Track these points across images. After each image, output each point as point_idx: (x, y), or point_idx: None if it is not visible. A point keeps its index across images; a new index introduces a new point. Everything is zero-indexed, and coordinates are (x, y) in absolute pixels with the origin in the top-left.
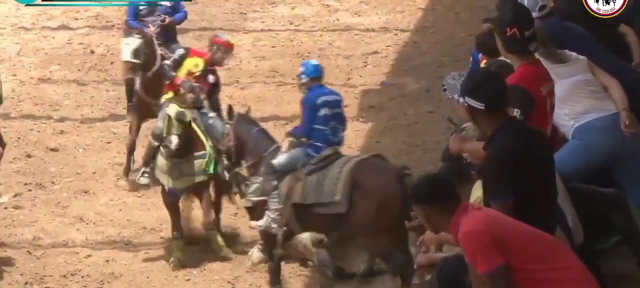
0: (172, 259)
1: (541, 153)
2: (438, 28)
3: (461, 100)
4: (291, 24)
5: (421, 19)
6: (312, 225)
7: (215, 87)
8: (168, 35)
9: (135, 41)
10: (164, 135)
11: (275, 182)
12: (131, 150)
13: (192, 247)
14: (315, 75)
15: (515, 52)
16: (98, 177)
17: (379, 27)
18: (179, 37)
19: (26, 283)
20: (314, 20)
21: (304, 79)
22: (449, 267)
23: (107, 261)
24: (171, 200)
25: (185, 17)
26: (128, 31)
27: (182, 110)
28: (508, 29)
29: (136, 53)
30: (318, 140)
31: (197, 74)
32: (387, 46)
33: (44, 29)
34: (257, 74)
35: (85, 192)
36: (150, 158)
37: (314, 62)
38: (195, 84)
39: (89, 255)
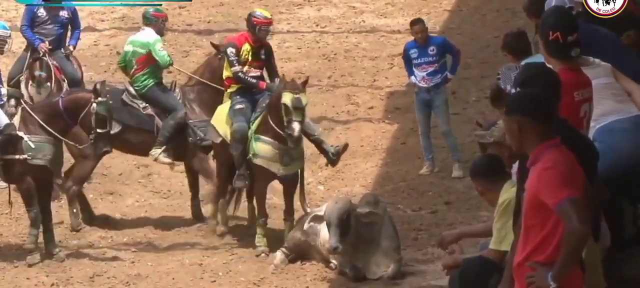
0: (261, 248)
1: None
2: (464, 30)
3: (513, 91)
4: (317, 25)
5: (447, 20)
6: None
7: (269, 56)
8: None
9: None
10: (286, 123)
11: None
12: None
13: (218, 248)
14: None
15: (556, 56)
16: (124, 178)
17: (404, 29)
18: (204, 38)
19: (52, 284)
20: (340, 21)
21: None
22: (473, 267)
23: (133, 262)
24: (263, 187)
25: (77, 40)
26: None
27: (298, 96)
28: (551, 33)
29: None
30: None
31: (249, 58)
32: None
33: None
34: (283, 75)
35: (111, 194)
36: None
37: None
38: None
39: (115, 257)
